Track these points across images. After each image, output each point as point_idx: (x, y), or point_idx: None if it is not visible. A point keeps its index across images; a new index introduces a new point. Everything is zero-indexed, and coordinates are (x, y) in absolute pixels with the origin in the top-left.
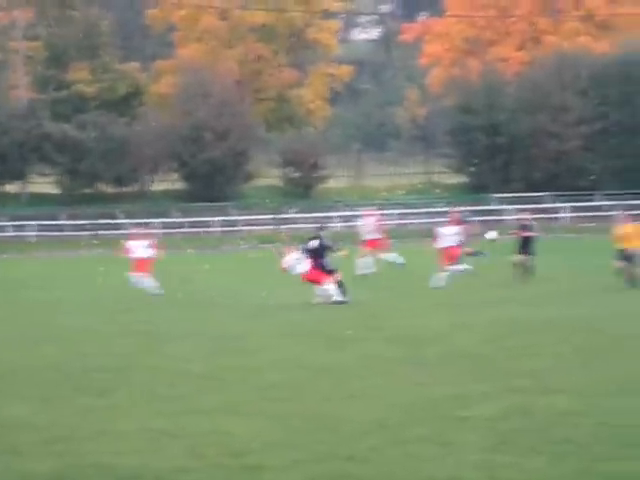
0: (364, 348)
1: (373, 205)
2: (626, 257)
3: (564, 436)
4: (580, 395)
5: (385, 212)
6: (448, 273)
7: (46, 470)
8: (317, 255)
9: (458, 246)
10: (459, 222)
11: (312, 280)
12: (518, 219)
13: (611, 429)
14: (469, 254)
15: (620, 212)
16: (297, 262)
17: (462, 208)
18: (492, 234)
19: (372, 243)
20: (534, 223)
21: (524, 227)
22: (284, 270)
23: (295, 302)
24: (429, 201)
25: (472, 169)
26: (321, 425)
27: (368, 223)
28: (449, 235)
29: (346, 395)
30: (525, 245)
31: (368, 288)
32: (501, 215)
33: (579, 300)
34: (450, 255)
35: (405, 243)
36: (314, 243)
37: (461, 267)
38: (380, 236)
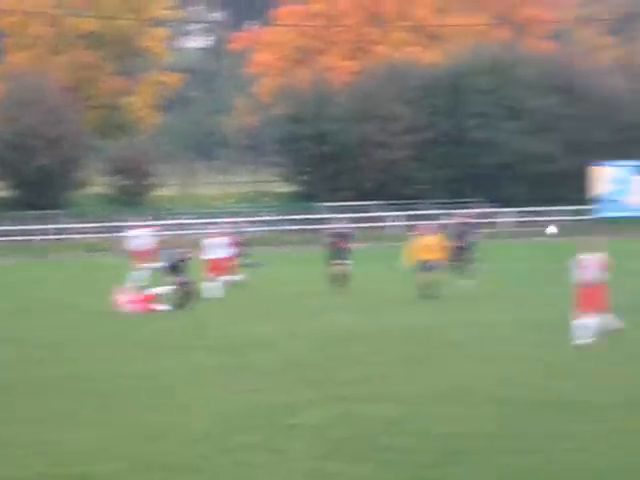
0: (191, 357)
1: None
2: (427, 269)
3: (390, 443)
4: (406, 403)
5: (216, 220)
6: (221, 283)
7: None
8: (175, 270)
9: (227, 257)
10: (229, 234)
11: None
12: (335, 228)
13: (435, 437)
14: (247, 265)
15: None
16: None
17: (237, 219)
18: (552, 229)
19: (141, 254)
20: (353, 232)
21: (342, 236)
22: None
23: (121, 311)
24: (259, 210)
25: (302, 178)
26: (149, 434)
27: (139, 235)
28: (216, 246)
29: (173, 404)
30: (340, 254)
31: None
32: (330, 223)
33: (406, 308)
34: (216, 266)
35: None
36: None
37: (236, 277)
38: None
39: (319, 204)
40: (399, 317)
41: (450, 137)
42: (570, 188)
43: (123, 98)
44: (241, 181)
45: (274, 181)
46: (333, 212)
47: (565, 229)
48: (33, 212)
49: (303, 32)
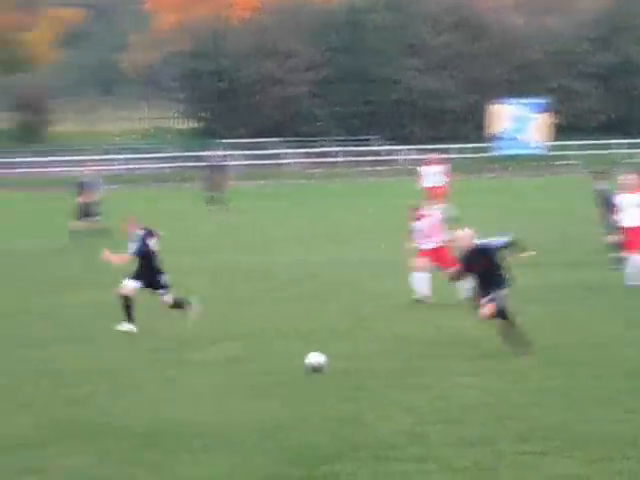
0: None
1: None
2: None
3: (291, 381)
4: (304, 339)
5: (114, 157)
6: None
7: None
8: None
9: None
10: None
11: None
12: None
13: (336, 373)
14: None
15: None
16: None
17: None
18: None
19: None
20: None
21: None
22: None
23: (22, 249)
24: (159, 146)
25: (201, 114)
26: (43, 369)
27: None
28: None
29: (64, 337)
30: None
31: None
32: (231, 160)
33: (297, 246)
34: None
35: (132, 188)
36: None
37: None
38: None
39: (218, 141)
40: (291, 255)
41: (349, 74)
42: (469, 126)
43: (22, 33)
44: (142, 117)
45: (174, 118)
46: (232, 149)
47: (463, 167)
48: None
49: None
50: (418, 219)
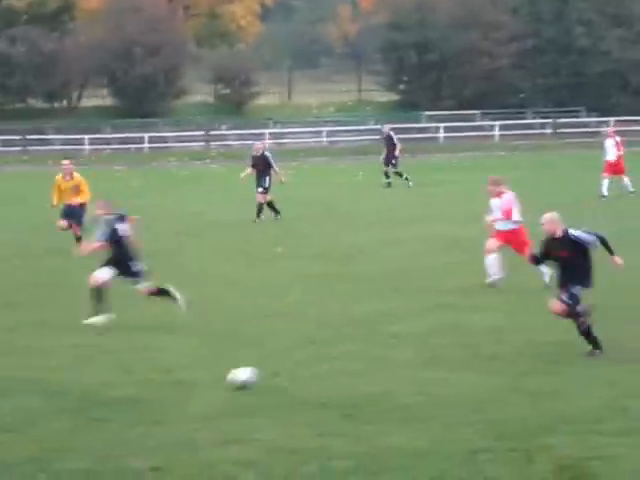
0: (292, 265)
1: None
2: None
3: (492, 352)
4: (508, 312)
5: (315, 129)
6: None
7: None
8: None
9: None
10: None
11: None
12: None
13: (537, 345)
14: None
15: None
16: None
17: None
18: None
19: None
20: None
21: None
22: None
23: (227, 220)
24: (359, 119)
25: (402, 87)
26: (247, 342)
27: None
28: None
29: (272, 312)
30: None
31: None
32: (432, 133)
33: None
34: None
35: (334, 160)
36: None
37: None
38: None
39: (420, 113)
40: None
41: (554, 45)
42: None
43: (224, 6)
44: (342, 90)
45: (375, 90)
46: (434, 121)
47: None
48: (133, 120)
49: None
50: (498, 196)
